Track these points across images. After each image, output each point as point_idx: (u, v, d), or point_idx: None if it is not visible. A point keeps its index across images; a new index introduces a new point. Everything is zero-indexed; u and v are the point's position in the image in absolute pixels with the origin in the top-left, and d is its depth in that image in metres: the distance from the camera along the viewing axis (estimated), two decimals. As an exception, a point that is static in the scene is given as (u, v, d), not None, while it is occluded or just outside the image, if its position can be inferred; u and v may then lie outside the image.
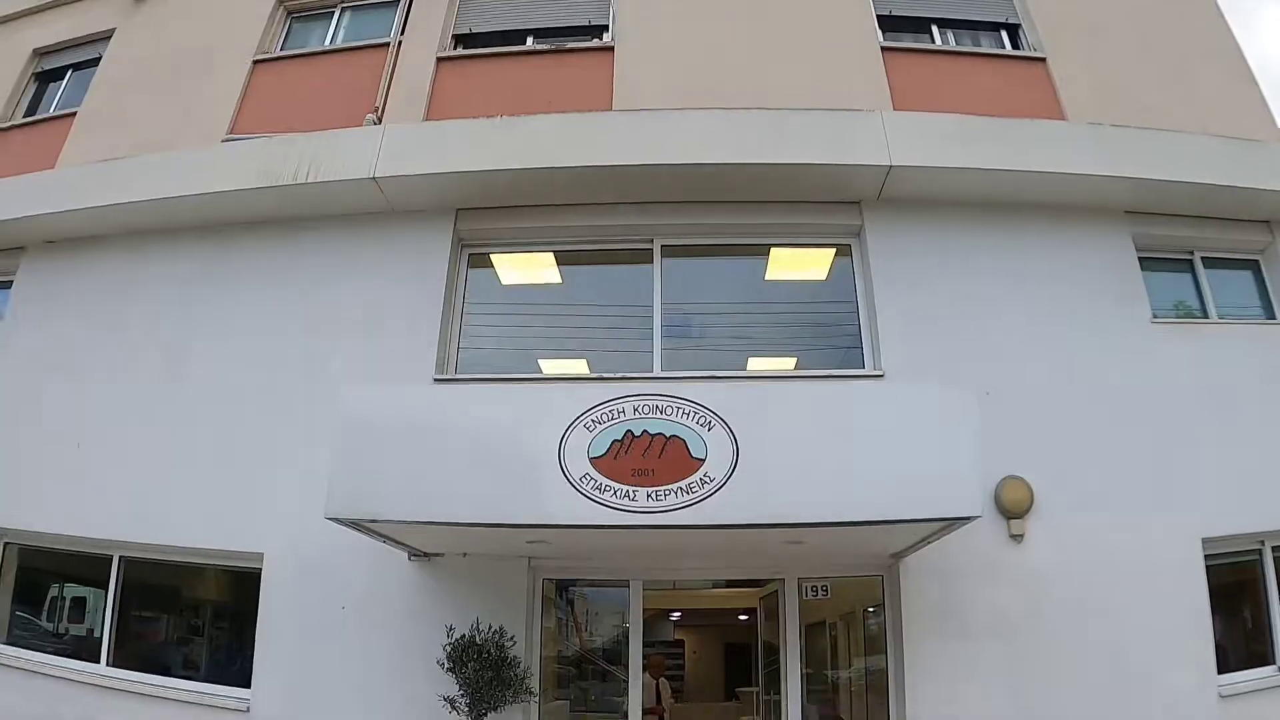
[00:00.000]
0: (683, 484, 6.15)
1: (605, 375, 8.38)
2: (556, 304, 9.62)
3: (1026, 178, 8.93)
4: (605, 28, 11.32)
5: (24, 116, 12.74)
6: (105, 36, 12.81)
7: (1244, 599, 8.55)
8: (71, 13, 13.35)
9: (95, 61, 12.62)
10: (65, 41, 13.22)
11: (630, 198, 9.12)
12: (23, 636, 9.11)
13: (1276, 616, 8.33)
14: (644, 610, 8.49)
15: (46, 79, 13.22)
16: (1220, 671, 7.83)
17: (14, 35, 13.44)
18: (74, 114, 11.97)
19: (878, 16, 11.17)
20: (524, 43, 11.46)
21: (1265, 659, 8.21)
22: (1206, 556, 8.07)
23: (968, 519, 6.30)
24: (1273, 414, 8.61)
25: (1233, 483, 8.31)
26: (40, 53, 13.32)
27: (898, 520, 6.27)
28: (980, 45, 11.41)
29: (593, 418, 6.35)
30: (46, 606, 9.46)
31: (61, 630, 9.30)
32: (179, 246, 9.78)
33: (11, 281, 10.36)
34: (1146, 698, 7.62)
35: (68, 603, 9.49)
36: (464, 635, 7.40)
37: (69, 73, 13.03)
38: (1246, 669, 8.10)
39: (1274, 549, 8.45)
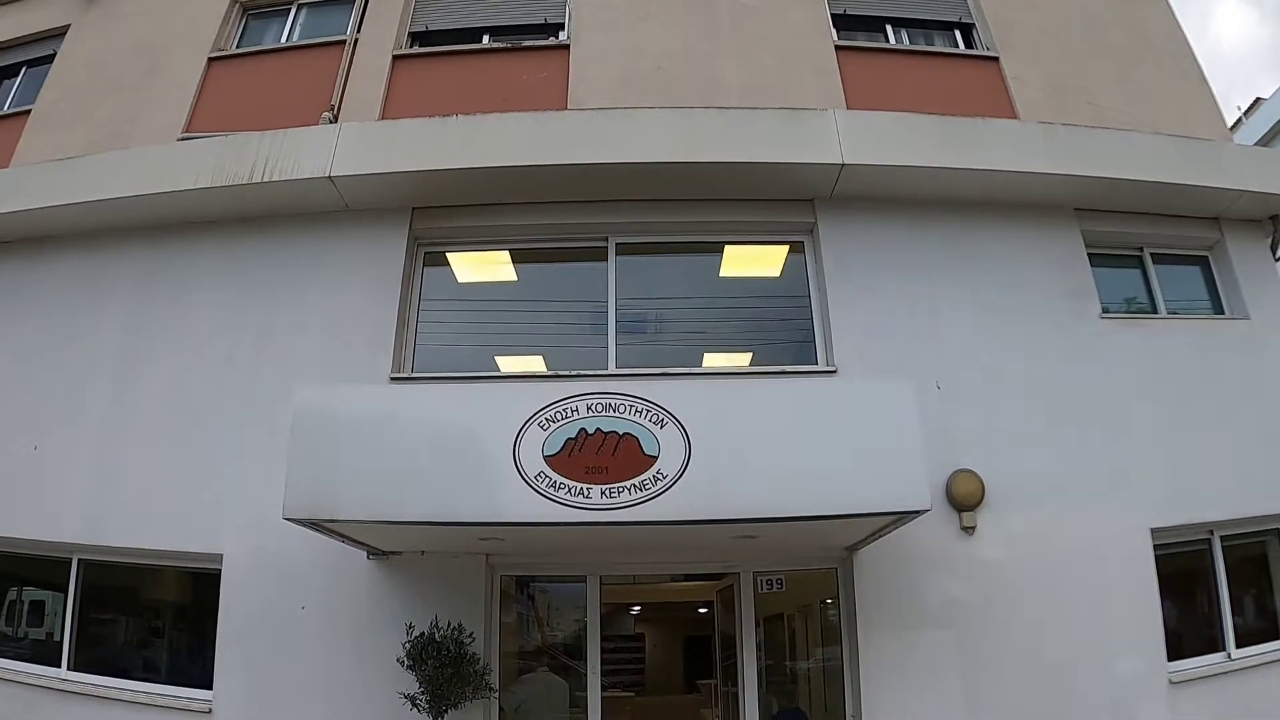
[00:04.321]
0: (636, 481, 6.20)
1: (560, 373, 8.44)
2: (512, 301, 9.62)
3: (978, 176, 9.05)
4: (561, 26, 11.36)
5: (-23, 114, 12.58)
6: (59, 33, 12.66)
7: (1194, 587, 8.70)
8: (24, 9, 13.18)
9: (50, 58, 12.46)
10: (18, 38, 13.05)
11: (585, 196, 9.15)
12: (-20, 642, 9.04)
13: (1226, 604, 8.50)
14: (603, 605, 8.53)
15: (0, 76, 13.07)
16: (1171, 659, 7.99)
17: (-35, 32, 13.28)
18: (28, 111, 11.82)
19: (832, 15, 11.30)
20: (480, 41, 11.47)
21: (1216, 646, 8.39)
22: (1156, 546, 8.23)
23: (918, 513, 6.37)
24: (1219, 407, 8.81)
25: (1181, 474, 8.50)
26: (-7, 48, 13.17)
27: (847, 515, 6.36)
28: (934, 44, 11.56)
29: (547, 416, 6.38)
30: (4, 611, 9.36)
31: (20, 634, 9.20)
32: (135, 246, 9.68)
33: (-36, 281, 10.19)
34: (1097, 685, 7.76)
35: (26, 607, 9.41)
36: (423, 633, 7.39)
37: (23, 70, 12.86)
38: (1197, 655, 8.27)
39: (1222, 539, 8.63)
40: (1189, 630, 8.48)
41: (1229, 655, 8.32)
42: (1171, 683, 7.89)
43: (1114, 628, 7.97)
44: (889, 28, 11.55)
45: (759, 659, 8.35)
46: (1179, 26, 11.72)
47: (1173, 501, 8.40)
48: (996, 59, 11.00)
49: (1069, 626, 7.88)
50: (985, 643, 7.84)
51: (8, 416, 9.25)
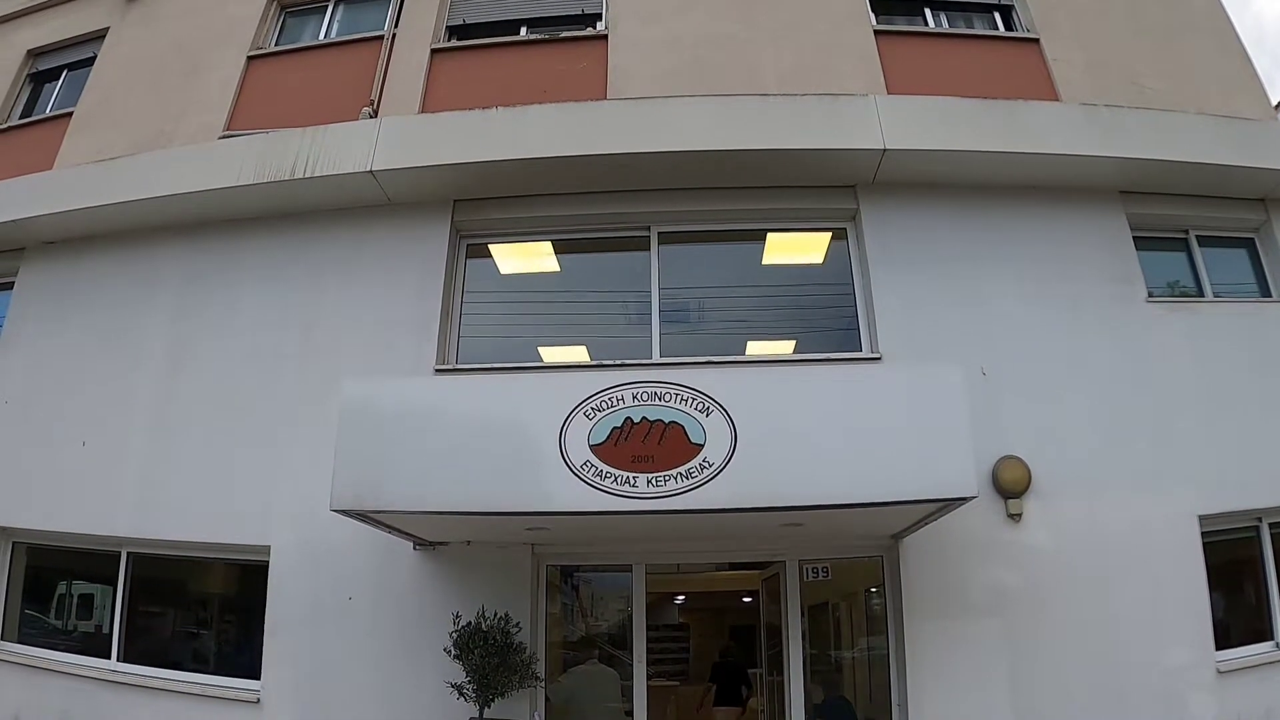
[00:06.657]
0: (682, 469, 6.20)
1: (604, 363, 8.45)
2: (555, 292, 9.62)
3: (1021, 159, 8.94)
4: (598, 16, 11.36)
5: (20, 118, 12.79)
6: (99, 36, 12.84)
7: (1242, 576, 8.57)
8: (64, 13, 13.37)
9: (90, 61, 12.64)
10: (59, 41, 13.25)
11: (626, 185, 9.14)
12: (32, 634, 9.18)
13: (1275, 593, 8.36)
14: (649, 594, 8.55)
15: (42, 79, 13.26)
16: (1219, 648, 7.88)
17: (7, 37, 13.47)
18: (70, 114, 12.00)
19: (870, -1, 11.22)
20: (517, 33, 11.49)
21: (1264, 635, 8.25)
22: (1204, 533, 8.10)
23: (964, 499, 6.34)
24: (1268, 392, 8.65)
25: (1229, 460, 8.35)
26: (34, 53, 13.34)
27: (894, 502, 6.32)
28: (973, 26, 11.45)
29: (592, 405, 6.39)
30: (55, 604, 9.53)
31: (70, 627, 9.37)
32: (178, 243, 9.81)
33: (13, 283, 10.37)
34: (1144, 674, 7.68)
35: (76, 600, 9.57)
36: (470, 623, 7.44)
37: (64, 73, 13.05)
38: (1245, 645, 8.14)
39: (1271, 525, 8.48)
40: (1237, 619, 8.36)
41: (1278, 644, 8.19)
42: (1219, 672, 7.78)
43: (1161, 616, 7.86)
44: (927, 10, 11.43)
45: (804, 648, 8.33)
46: (1220, 4, 11.56)
47: (1221, 488, 8.27)
48: (1037, 40, 10.86)
49: (1116, 615, 7.79)
50: (1032, 631, 7.77)
51: (57, 413, 9.40)
